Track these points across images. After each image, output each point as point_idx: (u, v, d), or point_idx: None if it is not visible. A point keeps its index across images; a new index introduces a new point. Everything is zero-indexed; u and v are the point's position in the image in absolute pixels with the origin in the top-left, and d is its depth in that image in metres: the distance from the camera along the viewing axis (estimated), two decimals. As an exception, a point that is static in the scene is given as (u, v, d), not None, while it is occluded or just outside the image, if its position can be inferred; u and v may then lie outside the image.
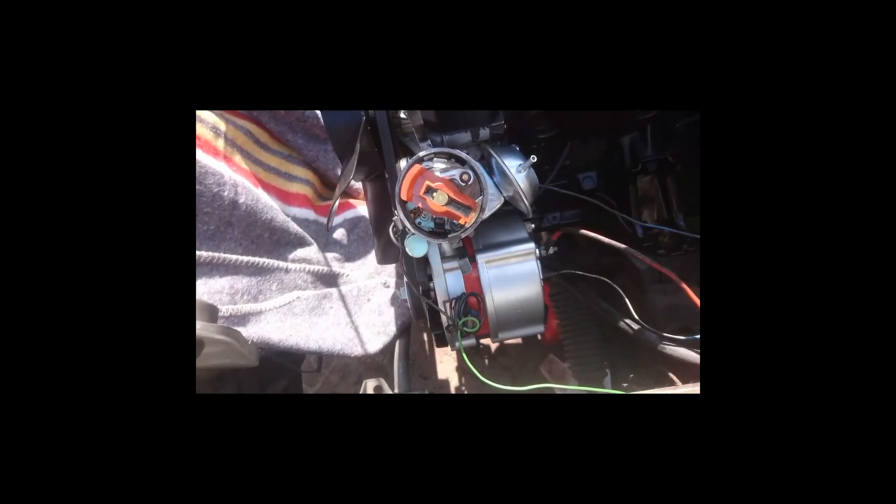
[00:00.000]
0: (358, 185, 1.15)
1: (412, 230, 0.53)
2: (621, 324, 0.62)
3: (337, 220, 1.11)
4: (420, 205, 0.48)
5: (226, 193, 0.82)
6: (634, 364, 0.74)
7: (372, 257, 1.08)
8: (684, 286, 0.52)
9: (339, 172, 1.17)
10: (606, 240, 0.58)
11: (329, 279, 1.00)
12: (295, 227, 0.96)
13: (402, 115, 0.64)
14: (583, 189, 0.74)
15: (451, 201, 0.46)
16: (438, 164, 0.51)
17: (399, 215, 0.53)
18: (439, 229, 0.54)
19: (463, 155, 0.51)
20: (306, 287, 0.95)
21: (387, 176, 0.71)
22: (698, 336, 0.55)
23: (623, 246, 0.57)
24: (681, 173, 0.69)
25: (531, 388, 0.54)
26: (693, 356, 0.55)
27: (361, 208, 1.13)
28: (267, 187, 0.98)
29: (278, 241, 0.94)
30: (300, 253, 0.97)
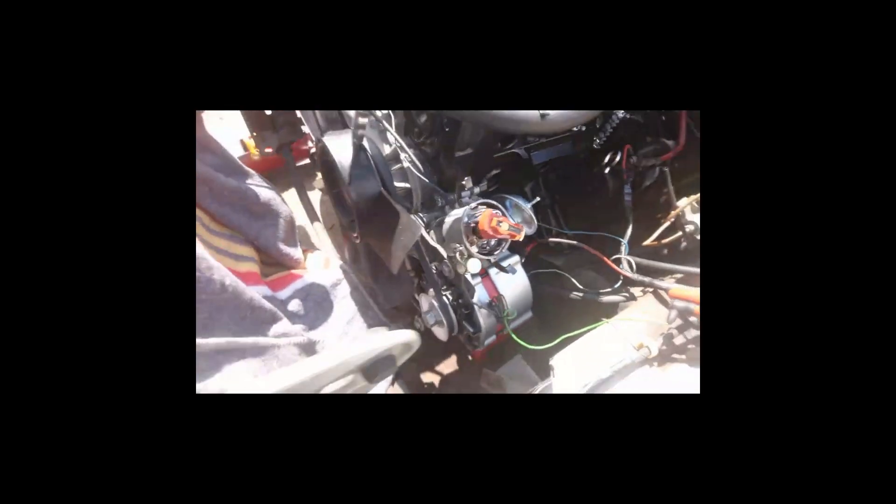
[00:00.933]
0: (296, 255, 1.18)
1: (474, 254, 0.75)
2: (573, 295, 0.98)
3: (286, 292, 1.11)
4: (492, 232, 0.71)
5: (215, 277, 0.79)
6: (575, 326, 1.10)
7: (333, 319, 1.12)
8: (606, 259, 0.92)
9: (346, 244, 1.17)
10: (574, 242, 0.94)
11: (310, 349, 1.00)
12: (267, 304, 0.94)
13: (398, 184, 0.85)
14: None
15: (511, 227, 0.71)
16: (481, 209, 0.76)
17: (465, 246, 0.74)
18: (484, 250, 0.78)
19: (493, 202, 0.78)
20: (297, 360, 0.93)
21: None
22: (616, 285, 0.96)
23: (584, 245, 0.94)
24: (561, 203, 1.14)
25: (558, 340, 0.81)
26: (618, 298, 0.96)
27: (307, 276, 1.16)
28: (227, 269, 0.93)
29: (257, 319, 0.90)
30: (278, 328, 0.95)
